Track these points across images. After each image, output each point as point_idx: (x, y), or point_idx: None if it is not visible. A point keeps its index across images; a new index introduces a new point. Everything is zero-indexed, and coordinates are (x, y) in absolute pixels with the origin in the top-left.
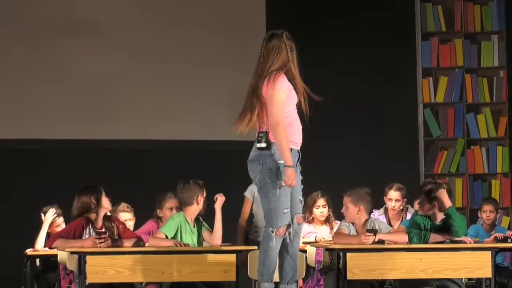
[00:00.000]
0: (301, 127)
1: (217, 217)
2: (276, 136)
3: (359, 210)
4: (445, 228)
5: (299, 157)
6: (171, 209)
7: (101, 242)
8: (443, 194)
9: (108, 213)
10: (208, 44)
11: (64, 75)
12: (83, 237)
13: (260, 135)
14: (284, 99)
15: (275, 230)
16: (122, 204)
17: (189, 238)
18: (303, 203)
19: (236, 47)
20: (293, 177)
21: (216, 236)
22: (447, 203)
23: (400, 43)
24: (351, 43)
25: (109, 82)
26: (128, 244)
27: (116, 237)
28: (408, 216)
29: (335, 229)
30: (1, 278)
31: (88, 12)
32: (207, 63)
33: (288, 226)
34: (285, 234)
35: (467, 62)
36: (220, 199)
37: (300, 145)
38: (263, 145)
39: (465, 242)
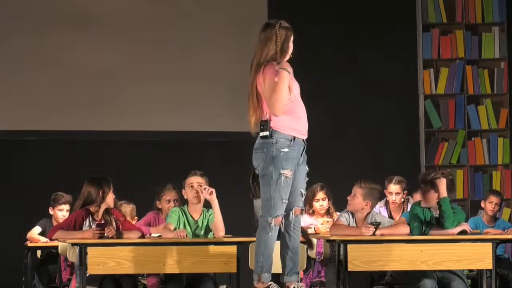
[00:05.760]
0: (305, 115)
1: (214, 210)
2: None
3: (366, 205)
4: (438, 221)
5: (304, 147)
6: (169, 201)
7: (99, 234)
8: (441, 183)
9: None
10: (209, 35)
11: (64, 66)
12: (83, 229)
13: (263, 123)
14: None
15: (273, 219)
16: (124, 204)
17: (187, 230)
18: (304, 196)
19: (237, 38)
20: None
21: (217, 228)
22: (443, 193)
23: (401, 35)
24: (351, 34)
25: (110, 73)
26: (128, 236)
27: (115, 229)
28: (409, 208)
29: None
30: (2, 270)
31: (89, 3)
32: (208, 54)
33: (285, 216)
34: (280, 224)
35: (468, 54)
36: (209, 192)
37: (305, 134)
38: (266, 133)
39: (466, 232)
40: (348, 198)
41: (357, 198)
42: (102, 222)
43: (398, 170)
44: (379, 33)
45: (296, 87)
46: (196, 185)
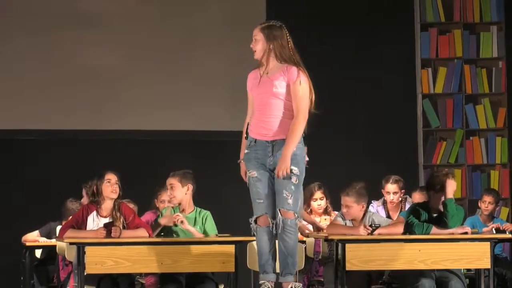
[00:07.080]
0: (259, 116)
1: (192, 232)
2: None
3: (362, 207)
4: (440, 221)
5: (270, 148)
6: (163, 201)
7: (105, 235)
8: (450, 184)
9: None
10: (208, 34)
11: (64, 66)
12: (87, 224)
13: None
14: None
15: (253, 220)
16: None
17: (178, 228)
18: (290, 197)
19: (237, 37)
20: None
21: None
22: (449, 194)
23: (399, 34)
24: (349, 34)
25: (109, 73)
26: (130, 234)
27: (121, 227)
28: (407, 207)
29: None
30: (1, 270)
31: (88, 3)
32: (208, 54)
33: (274, 218)
34: (268, 225)
35: (466, 53)
36: (179, 222)
37: (267, 136)
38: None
39: (466, 232)
40: (343, 210)
41: (352, 206)
42: (108, 221)
43: (396, 169)
44: (377, 32)
45: (253, 89)
46: (169, 187)
